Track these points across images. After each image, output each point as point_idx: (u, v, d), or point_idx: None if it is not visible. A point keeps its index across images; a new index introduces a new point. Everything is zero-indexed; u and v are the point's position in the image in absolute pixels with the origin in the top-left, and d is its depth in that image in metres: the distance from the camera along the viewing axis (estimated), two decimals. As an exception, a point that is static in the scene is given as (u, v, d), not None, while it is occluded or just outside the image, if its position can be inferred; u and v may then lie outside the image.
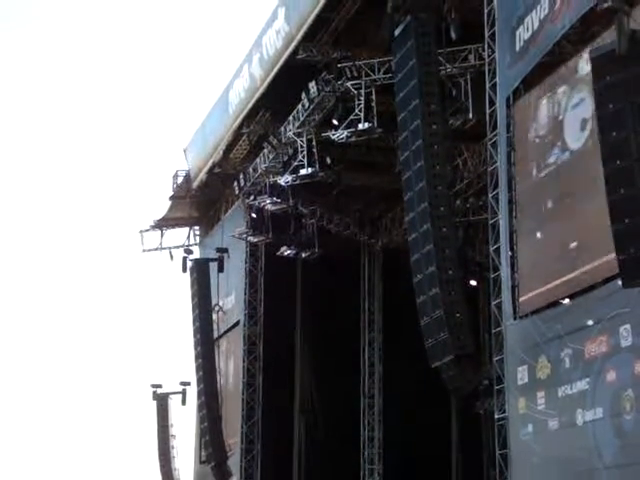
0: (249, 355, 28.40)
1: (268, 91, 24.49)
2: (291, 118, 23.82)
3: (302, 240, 26.80)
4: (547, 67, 16.57)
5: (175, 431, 33.73)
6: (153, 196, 45.18)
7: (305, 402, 28.74)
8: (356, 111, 21.52)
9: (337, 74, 21.83)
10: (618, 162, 12.41)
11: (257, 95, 25.01)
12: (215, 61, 53.35)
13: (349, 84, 21.64)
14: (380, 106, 21.42)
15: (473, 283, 24.59)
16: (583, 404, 14.68)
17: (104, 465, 40.41)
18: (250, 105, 25.56)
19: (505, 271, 17.01)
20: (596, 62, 12.76)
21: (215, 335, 28.94)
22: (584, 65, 15.04)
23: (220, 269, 28.75)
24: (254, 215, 26.61)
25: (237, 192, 27.22)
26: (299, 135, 23.57)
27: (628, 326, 13.85)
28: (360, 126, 21.48)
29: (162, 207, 31.15)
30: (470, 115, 20.42)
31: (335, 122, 22.21)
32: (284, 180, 24.37)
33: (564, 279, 15.63)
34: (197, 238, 32.44)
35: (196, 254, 31.15)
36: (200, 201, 31.39)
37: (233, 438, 28.16)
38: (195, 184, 30.09)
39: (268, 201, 25.80)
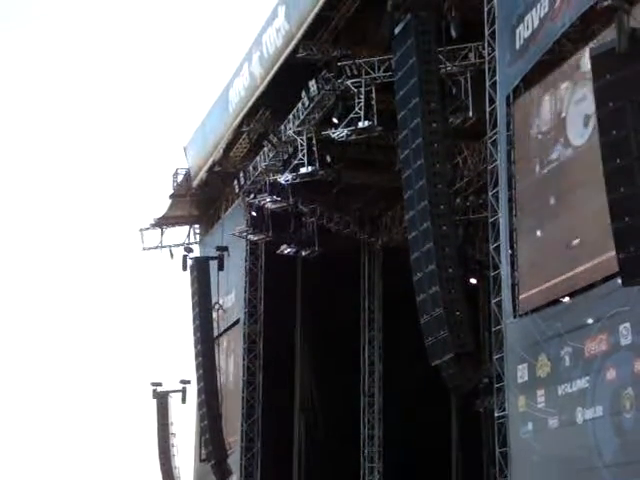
0: (249, 353, 28.41)
1: (268, 89, 24.49)
2: (291, 116, 23.82)
3: (302, 238, 26.79)
4: (547, 65, 16.57)
5: (175, 429, 33.82)
6: (153, 194, 45.18)
7: (305, 400, 28.74)
8: (356, 109, 21.51)
9: (337, 72, 21.83)
10: (618, 160, 12.40)
11: (257, 93, 25.00)
12: (215, 60, 53.40)
13: (349, 82, 21.64)
14: (380, 104, 21.42)
15: (473, 281, 24.59)
16: (583, 402, 14.69)
17: (104, 463, 40.47)
18: (250, 103, 25.56)
19: (505, 269, 17.02)
20: (596, 60, 12.76)
21: (215, 333, 28.93)
22: (586, 61, 14.99)
23: (220, 267, 28.73)
24: (254, 213, 26.61)
25: (237, 190, 27.21)
26: (299, 133, 23.56)
27: (628, 324, 13.86)
28: (360, 124, 21.47)
29: (162, 205, 31.22)
30: (470, 113, 20.42)
31: (335, 120, 22.21)
32: (284, 178, 24.37)
33: (564, 277, 15.63)
34: (197, 236, 32.46)
35: (196, 252, 31.18)
36: (200, 199, 31.39)
37: (233, 436, 28.16)
38: (195, 182, 30.09)
39: (268, 199, 25.80)
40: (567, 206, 15.78)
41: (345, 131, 21.75)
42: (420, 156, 18.28)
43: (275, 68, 23.69)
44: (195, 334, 28.38)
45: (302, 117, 23.24)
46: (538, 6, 16.33)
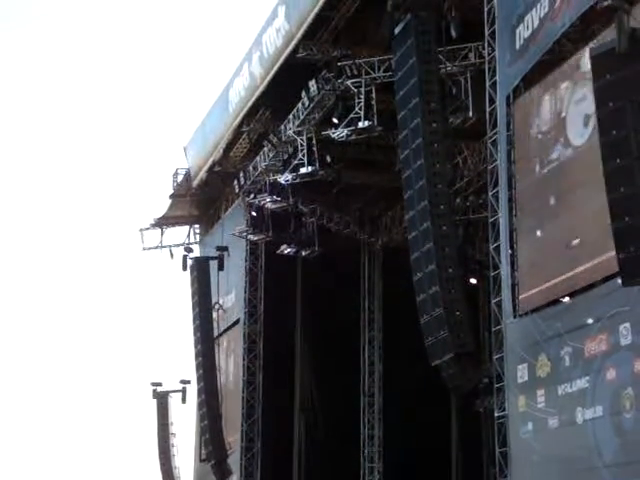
0: (249, 353, 28.41)
1: (268, 89, 24.49)
2: (291, 116, 23.82)
3: (302, 238, 26.79)
4: (547, 65, 16.57)
5: (175, 429, 33.81)
6: (153, 194, 45.17)
7: (305, 400, 28.74)
8: (356, 109, 21.51)
9: (337, 72, 21.82)
10: (618, 160, 12.40)
11: (257, 93, 25.01)
12: (215, 59, 53.38)
13: (349, 82, 21.64)
14: (380, 104, 21.42)
15: (473, 281, 24.59)
16: (583, 402, 14.69)
17: (104, 463, 40.47)
18: (250, 103, 25.56)
19: (505, 269, 17.02)
20: (596, 60, 12.76)
21: (215, 333, 28.93)
22: (586, 61, 14.97)
23: (220, 267, 28.73)
24: (254, 213, 26.61)
25: (237, 190, 27.21)
26: (299, 133, 23.56)
27: (628, 324, 13.86)
28: (360, 124, 21.46)
29: (162, 205, 31.22)
30: (470, 113, 20.42)
31: (335, 120, 22.21)
32: (284, 178, 24.37)
33: (564, 277, 15.63)
34: (197, 236, 32.46)
35: (196, 252, 31.18)
36: (200, 199, 31.40)
37: (233, 436, 28.16)
38: (195, 182, 30.09)
39: (268, 199, 25.80)
40: (567, 206, 15.78)
41: (345, 131, 21.75)
42: (420, 156, 18.28)
43: (275, 68, 23.69)
44: (195, 334, 28.38)
45: (302, 117, 23.24)
46: (538, 6, 16.33)
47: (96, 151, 53.16)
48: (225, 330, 29.91)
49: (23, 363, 44.46)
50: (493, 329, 17.48)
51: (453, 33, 19.40)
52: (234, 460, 27.84)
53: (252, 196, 26.29)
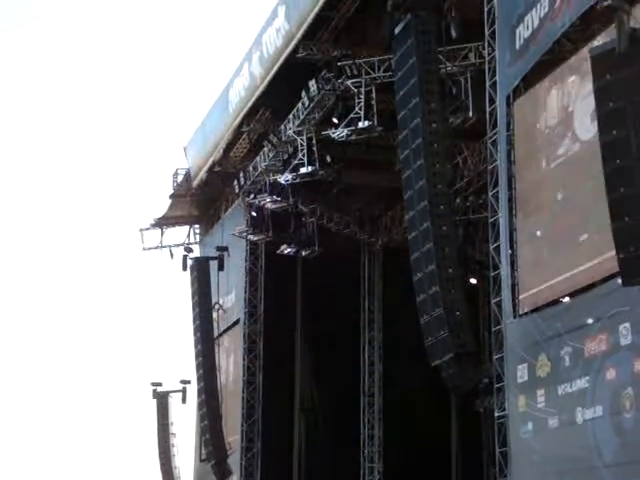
0: (249, 353, 28.41)
1: (268, 89, 24.49)
2: (291, 116, 23.82)
3: (302, 238, 26.80)
4: (547, 65, 16.56)
5: (175, 429, 33.79)
6: (153, 194, 45.18)
7: (305, 400, 28.75)
8: (356, 109, 21.52)
9: (337, 72, 21.83)
10: (618, 161, 12.39)
11: (257, 93, 25.00)
12: (215, 60, 53.38)
13: (349, 82, 21.64)
14: (380, 104, 21.42)
15: (473, 281, 24.60)
16: (583, 402, 14.69)
17: (104, 463, 40.47)
18: (250, 104, 25.56)
19: (505, 269, 17.01)
20: (596, 60, 12.75)
21: (215, 333, 28.92)
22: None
23: (220, 267, 28.73)
24: (254, 213, 26.61)
25: (237, 190, 27.21)
26: (299, 133, 23.57)
27: (628, 324, 13.86)
28: (360, 124, 21.47)
29: (162, 205, 31.22)
30: (470, 113, 20.43)
31: (335, 120, 22.22)
32: (284, 178, 24.37)
33: (564, 277, 15.62)
34: (197, 236, 32.46)
35: (196, 252, 31.17)
36: (200, 199, 31.40)
37: (233, 436, 28.16)
38: (195, 182, 30.09)
39: (268, 199, 25.80)
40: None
41: (345, 131, 21.75)
42: (420, 156, 18.28)
43: (275, 68, 23.69)
44: (195, 334, 28.38)
45: (302, 117, 23.24)
46: (538, 6, 16.32)
47: (96, 151, 53.19)
48: (225, 330, 29.91)
49: (23, 363, 44.50)
50: (493, 329, 17.47)
51: (453, 33, 19.39)
52: (234, 460, 27.84)
53: (252, 196, 26.29)
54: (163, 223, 31.36)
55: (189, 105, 53.34)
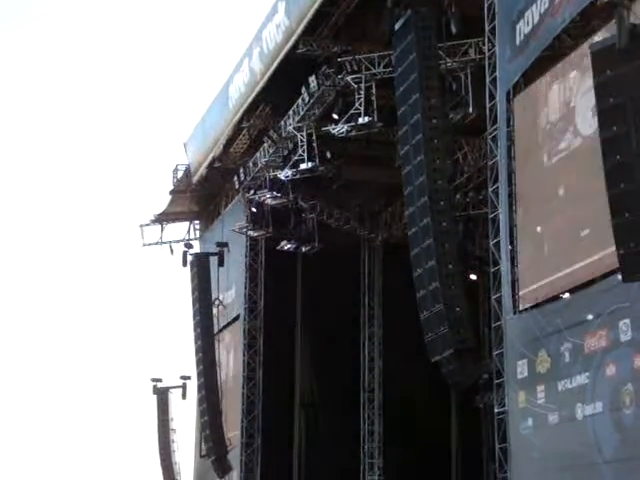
0: (249, 349, 28.41)
1: (268, 85, 24.47)
2: (291, 112, 23.81)
3: (302, 234, 26.78)
4: (547, 61, 16.54)
5: (175, 425, 33.76)
6: (153, 190, 45.26)
7: (305, 396, 28.75)
8: (356, 105, 21.51)
9: (337, 68, 21.83)
10: (618, 157, 12.39)
11: (257, 89, 24.99)
12: (215, 55, 53.29)
13: (349, 78, 21.63)
14: (380, 100, 21.41)
15: (473, 277, 24.62)
16: (583, 398, 14.69)
17: (104, 459, 40.48)
18: (250, 99, 25.54)
19: (505, 265, 17.01)
20: (596, 56, 12.74)
21: (215, 329, 28.91)
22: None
23: (220, 263, 28.72)
24: (254, 209, 26.60)
25: (237, 186, 27.21)
26: (299, 129, 23.56)
27: (628, 320, 13.84)
28: (360, 120, 21.47)
29: (162, 201, 31.19)
30: (470, 109, 20.42)
31: (335, 116, 22.22)
32: (284, 174, 24.37)
33: (564, 273, 15.62)
34: (197, 232, 32.45)
35: (196, 248, 31.14)
36: (200, 195, 31.39)
37: (233, 432, 28.17)
38: (195, 178, 30.09)
39: (268, 195, 25.79)
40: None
41: (345, 127, 21.75)
42: (420, 152, 18.28)
43: (275, 64, 23.67)
44: (195, 330, 28.38)
45: (302, 113, 23.23)
46: (538, 2, 16.30)
47: (96, 148, 53.04)
48: (225, 326, 29.91)
49: (23, 359, 44.48)
50: (493, 325, 17.47)
51: (453, 29, 19.39)
52: (234, 456, 27.85)
53: (252, 192, 26.27)
54: (163, 219, 31.36)
55: (189, 101, 53.39)
